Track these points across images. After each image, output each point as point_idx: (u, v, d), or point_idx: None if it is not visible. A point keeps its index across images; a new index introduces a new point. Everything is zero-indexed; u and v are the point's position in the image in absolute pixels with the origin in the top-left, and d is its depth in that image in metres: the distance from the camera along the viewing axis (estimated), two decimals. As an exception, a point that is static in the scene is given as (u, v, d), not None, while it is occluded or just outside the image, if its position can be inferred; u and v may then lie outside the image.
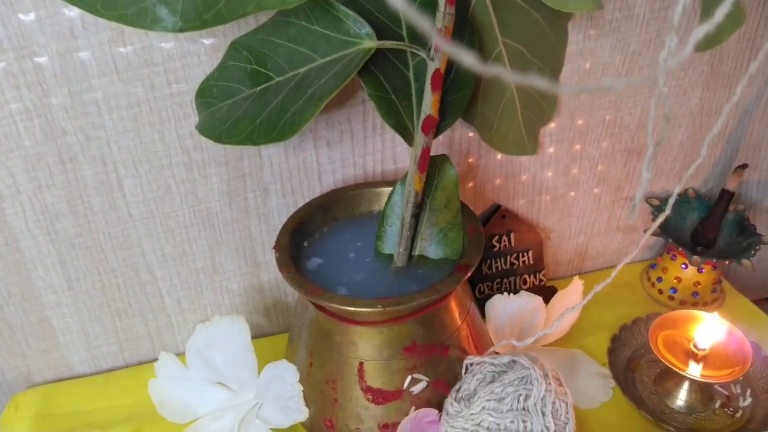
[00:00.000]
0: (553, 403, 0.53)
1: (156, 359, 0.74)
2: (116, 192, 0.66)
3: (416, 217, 0.57)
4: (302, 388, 0.60)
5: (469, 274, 0.55)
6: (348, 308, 0.52)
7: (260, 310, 0.79)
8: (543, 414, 0.52)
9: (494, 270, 0.78)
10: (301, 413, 0.61)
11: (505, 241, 0.77)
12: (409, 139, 0.56)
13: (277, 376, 0.63)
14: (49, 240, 0.67)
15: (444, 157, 0.59)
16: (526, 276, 0.79)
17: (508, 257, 0.78)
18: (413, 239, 0.58)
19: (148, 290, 0.74)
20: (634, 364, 0.73)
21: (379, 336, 0.55)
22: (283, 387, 0.62)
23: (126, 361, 0.78)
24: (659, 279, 0.82)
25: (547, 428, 0.52)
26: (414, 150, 0.55)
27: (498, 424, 0.52)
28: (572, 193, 0.81)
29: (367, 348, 0.56)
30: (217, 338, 0.67)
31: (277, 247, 0.59)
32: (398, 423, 0.56)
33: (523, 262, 0.79)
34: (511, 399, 0.52)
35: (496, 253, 0.77)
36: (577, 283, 0.71)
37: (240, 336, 0.66)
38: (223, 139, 0.56)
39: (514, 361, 0.55)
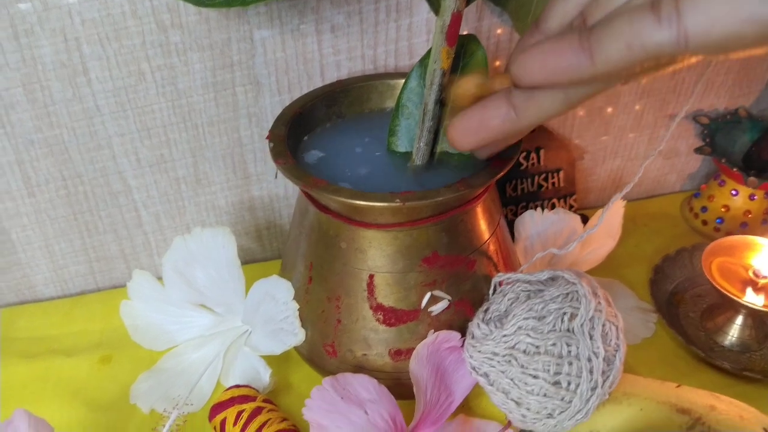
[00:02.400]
0: (603, 325, 0.43)
1: (132, 284, 0.64)
2: (80, 77, 0.55)
3: (441, 103, 0.47)
4: (298, 307, 0.51)
5: (506, 170, 0.45)
6: (358, 203, 0.42)
7: (250, 232, 0.70)
8: (591, 337, 0.43)
9: (519, 192, 0.68)
10: (296, 336, 0.51)
11: (533, 159, 0.67)
12: (434, 4, 0.45)
13: (268, 294, 0.54)
14: (4, 134, 0.57)
15: (471, 37, 0.49)
16: (555, 201, 0.70)
17: (536, 178, 0.68)
18: (436, 132, 0.48)
19: (121, 202, 0.64)
20: (678, 299, 0.64)
21: (393, 242, 0.45)
22: (275, 307, 0.53)
23: (97, 284, 0.69)
24: (704, 209, 0.73)
25: (595, 354, 0.42)
26: (441, 18, 0.45)
27: (537, 347, 0.42)
28: (610, 109, 0.71)
29: (379, 257, 0.46)
30: (199, 253, 0.57)
31: (272, 136, 0.49)
32: (413, 349, 0.47)
33: (553, 184, 0.69)
34: (553, 318, 0.43)
35: (523, 173, 0.68)
36: (618, 203, 0.61)
37: (225, 251, 0.56)
38: (205, 0, 0.46)
39: (553, 278, 0.46)
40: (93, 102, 0.57)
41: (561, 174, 0.69)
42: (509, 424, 0.49)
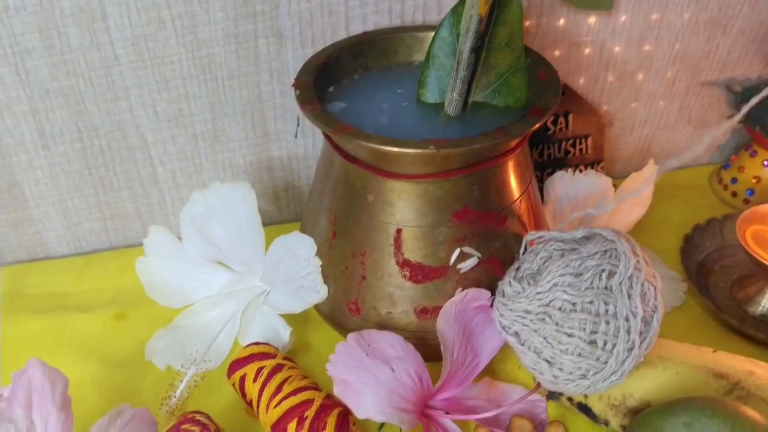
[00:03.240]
0: (642, 284, 0.42)
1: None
2: (99, 23, 0.53)
3: (477, 51, 0.45)
4: (320, 263, 0.50)
5: (543, 121, 0.43)
6: (389, 149, 0.40)
7: (268, 193, 0.68)
8: (629, 296, 0.41)
9: (546, 158, 0.66)
10: (318, 293, 0.50)
11: (561, 124, 0.65)
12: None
13: (289, 251, 0.52)
14: (19, 82, 0.55)
15: (508, -15, 0.47)
16: (582, 168, 0.68)
17: (563, 144, 0.66)
18: (471, 81, 0.46)
19: (137, 157, 0.62)
20: (708, 269, 0.62)
21: (423, 195, 0.44)
22: (297, 264, 0.51)
23: (111, 243, 0.67)
24: (733, 180, 0.70)
25: (633, 314, 0.41)
26: (479, -40, 0.43)
27: (573, 304, 0.41)
28: (641, 75, 0.69)
29: (408, 210, 0.44)
30: (218, 209, 0.55)
31: (298, 84, 0.47)
32: (439, 307, 0.45)
33: (580, 150, 0.67)
34: (591, 274, 0.41)
35: (550, 138, 0.65)
36: (650, 168, 0.59)
37: (245, 206, 0.55)
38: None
39: (588, 237, 0.44)
40: (111, 50, 0.55)
41: (589, 140, 0.67)
42: (538, 386, 0.47)
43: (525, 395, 0.48)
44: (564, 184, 0.56)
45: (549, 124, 0.65)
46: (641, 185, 0.58)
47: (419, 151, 0.39)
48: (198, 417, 0.44)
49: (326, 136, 0.47)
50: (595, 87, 0.68)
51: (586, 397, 0.46)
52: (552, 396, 0.48)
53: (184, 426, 0.43)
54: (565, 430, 0.47)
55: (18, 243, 0.65)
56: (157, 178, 0.64)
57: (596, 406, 0.46)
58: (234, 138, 0.63)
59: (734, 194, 0.70)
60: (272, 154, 0.65)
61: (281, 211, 0.69)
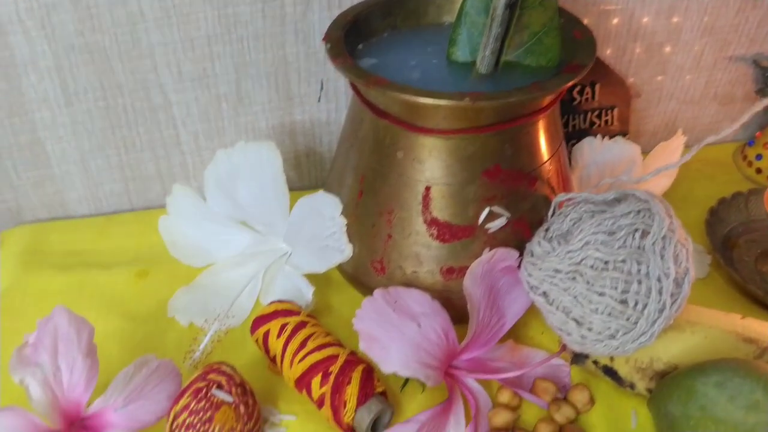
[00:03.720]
0: (675, 246, 0.41)
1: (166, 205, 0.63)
2: (126, -23, 0.53)
3: (512, 8, 0.44)
4: (346, 222, 0.49)
5: (578, 78, 0.42)
6: (424, 101, 0.39)
7: (290, 158, 0.68)
8: (662, 257, 0.40)
9: (571, 128, 0.65)
10: (343, 252, 0.49)
11: (587, 93, 0.65)
12: None
13: (314, 210, 0.52)
14: (44, 37, 0.55)
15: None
16: (607, 139, 0.67)
17: (589, 114, 0.65)
18: (504, 39, 0.46)
19: (160, 117, 0.62)
20: (732, 243, 0.61)
21: (455, 151, 0.43)
22: (321, 223, 0.51)
23: (132, 205, 0.67)
24: (758, 156, 0.70)
25: (665, 274, 0.40)
26: None
27: (605, 263, 0.40)
28: (669, 48, 0.68)
29: (438, 167, 0.44)
30: (243, 168, 0.55)
31: (328, 38, 0.46)
32: (465, 267, 0.45)
33: (606, 122, 0.66)
34: (625, 233, 0.40)
35: (576, 108, 0.65)
36: (678, 138, 0.59)
37: (270, 166, 0.54)
38: None
39: (619, 199, 0.43)
40: (137, 6, 0.55)
41: (615, 112, 0.66)
42: (563, 348, 0.47)
43: (550, 357, 0.48)
44: (592, 150, 0.55)
45: (575, 94, 0.64)
46: (673, 156, 0.57)
47: (454, 102, 0.39)
48: (224, 368, 0.44)
49: (356, 92, 0.46)
50: (623, 58, 0.67)
51: (612, 360, 0.46)
52: (576, 360, 0.48)
53: (210, 375, 0.43)
54: (590, 393, 0.47)
55: (39, 202, 0.65)
56: (180, 140, 0.64)
57: (622, 369, 0.45)
58: (257, 101, 0.62)
59: (759, 171, 0.69)
60: (295, 119, 0.65)
61: (302, 177, 0.69)
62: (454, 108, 0.40)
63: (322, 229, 0.51)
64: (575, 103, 0.65)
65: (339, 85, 0.63)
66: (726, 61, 0.70)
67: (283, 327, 0.48)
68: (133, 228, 0.64)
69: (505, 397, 0.47)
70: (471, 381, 0.47)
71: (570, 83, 0.41)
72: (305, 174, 0.69)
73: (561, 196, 0.45)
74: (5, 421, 0.39)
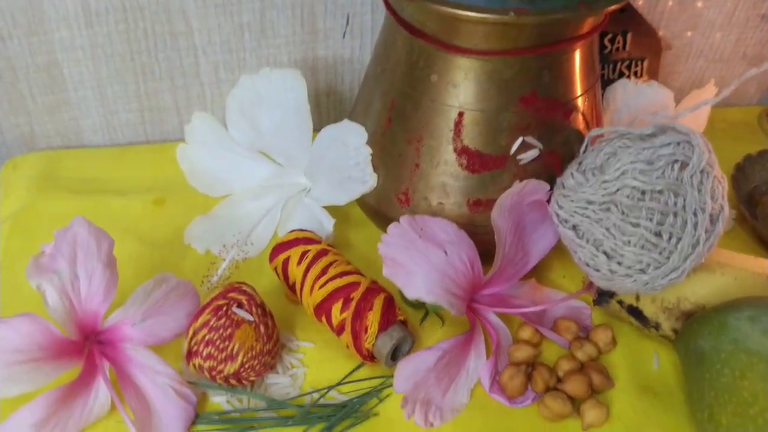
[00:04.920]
0: (712, 181, 0.40)
1: (181, 139, 0.61)
2: None
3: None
4: (371, 152, 0.48)
5: (622, 3, 0.41)
6: (466, 14, 0.38)
7: (310, 97, 0.65)
8: (699, 191, 0.39)
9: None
10: (367, 183, 0.48)
11: (618, 42, 0.63)
12: None
13: (338, 140, 0.50)
14: (65, -49, 0.53)
15: None
16: (641, 82, 0.65)
17: (618, 65, 0.64)
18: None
19: (180, 45, 0.60)
20: (756, 200, 0.60)
21: (492, 75, 0.42)
22: (345, 153, 0.50)
23: (147, 136, 0.66)
24: (786, 119, 0.69)
25: (702, 209, 0.39)
26: None
27: (643, 193, 0.39)
28: (701, 3, 0.66)
29: (473, 92, 0.42)
30: (266, 95, 0.54)
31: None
32: (493, 200, 0.44)
33: (635, 73, 0.65)
34: (664, 163, 0.39)
35: (606, 57, 0.63)
36: (711, 87, 0.57)
37: (294, 94, 0.53)
38: None
39: (655, 134, 0.42)
40: None
41: (645, 63, 0.65)
42: (590, 285, 0.46)
43: (572, 294, 0.47)
44: (626, 93, 0.54)
45: (606, 42, 0.62)
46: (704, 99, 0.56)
47: (497, 17, 0.37)
48: (244, 287, 0.43)
49: (391, 11, 0.45)
50: (656, 8, 0.65)
51: (637, 299, 0.45)
52: (599, 300, 0.47)
53: (230, 294, 0.42)
54: (612, 333, 0.46)
55: (53, 129, 0.64)
56: (199, 70, 0.62)
57: (648, 309, 0.45)
58: (281, 33, 0.61)
59: (786, 133, 0.68)
60: (318, 54, 0.63)
61: (321, 117, 0.68)
62: (497, 24, 0.39)
63: (346, 160, 0.50)
64: (606, 51, 0.63)
65: (365, 20, 0.61)
66: (758, 20, 0.68)
67: (303, 254, 0.47)
68: (148, 159, 0.62)
69: (526, 333, 0.46)
70: (492, 316, 0.46)
71: (618, 5, 0.40)
72: (324, 114, 0.67)
73: (596, 131, 0.44)
74: (22, 327, 0.38)
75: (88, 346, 0.41)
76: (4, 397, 0.37)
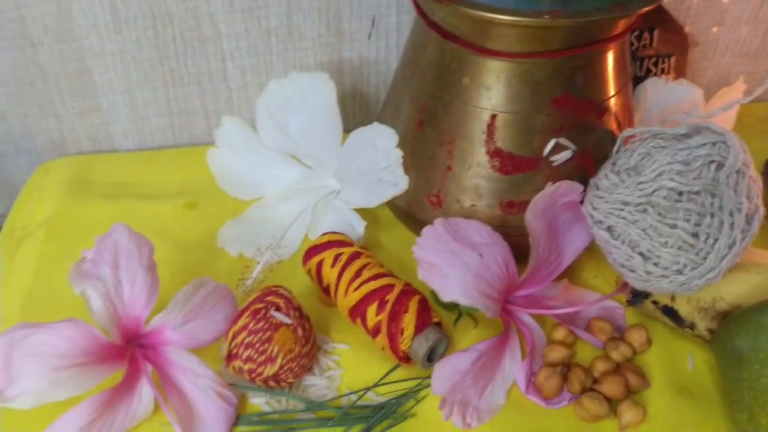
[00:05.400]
0: (748, 181, 0.40)
1: (211, 143, 0.62)
2: None
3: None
4: (402, 154, 0.48)
5: (656, 4, 0.41)
6: (500, 17, 0.38)
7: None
8: (736, 191, 0.39)
9: (624, 76, 0.64)
10: (398, 186, 0.49)
11: (645, 39, 0.63)
12: None
13: (368, 143, 0.51)
14: (96, -42, 0.54)
15: None
16: (671, 80, 0.65)
17: (645, 62, 0.64)
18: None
19: (209, 50, 0.61)
20: (787, 197, 0.60)
21: (524, 77, 0.42)
22: (375, 156, 0.50)
23: (176, 140, 0.67)
24: (815, 114, 0.68)
25: (738, 209, 0.39)
26: None
27: (680, 194, 0.39)
28: (727, -2, 0.66)
29: (505, 94, 0.43)
30: (295, 99, 0.54)
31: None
32: (526, 202, 0.44)
33: (662, 70, 0.64)
34: (701, 164, 0.39)
35: (633, 54, 0.63)
36: (740, 84, 0.57)
37: (323, 97, 0.53)
38: None
39: (689, 134, 0.42)
40: (192, -71, 0.53)
41: (672, 60, 0.64)
42: (622, 287, 0.46)
43: (606, 295, 0.47)
44: (656, 92, 0.54)
45: (633, 39, 0.62)
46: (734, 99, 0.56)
47: (532, 20, 0.38)
48: (281, 291, 0.44)
49: (421, 14, 0.45)
50: (681, 6, 0.65)
51: (673, 299, 0.45)
52: (633, 301, 0.47)
53: (268, 297, 0.43)
54: (647, 333, 0.46)
55: (84, 134, 0.65)
56: (227, 75, 0.63)
57: (683, 309, 0.45)
58: (307, 36, 0.61)
59: (815, 128, 0.68)
60: (343, 56, 0.63)
61: (347, 119, 0.67)
62: (530, 26, 0.39)
63: (376, 163, 0.50)
64: (633, 48, 0.63)
65: (390, 22, 0.62)
66: (787, 14, 0.68)
67: (337, 257, 0.48)
68: (178, 162, 0.63)
69: (560, 334, 0.46)
70: (526, 317, 0.47)
71: (650, 7, 0.40)
72: (350, 116, 0.68)
73: (629, 131, 0.44)
74: (67, 332, 0.38)
75: (130, 350, 0.42)
76: (50, 402, 0.38)
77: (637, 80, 0.64)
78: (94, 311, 0.39)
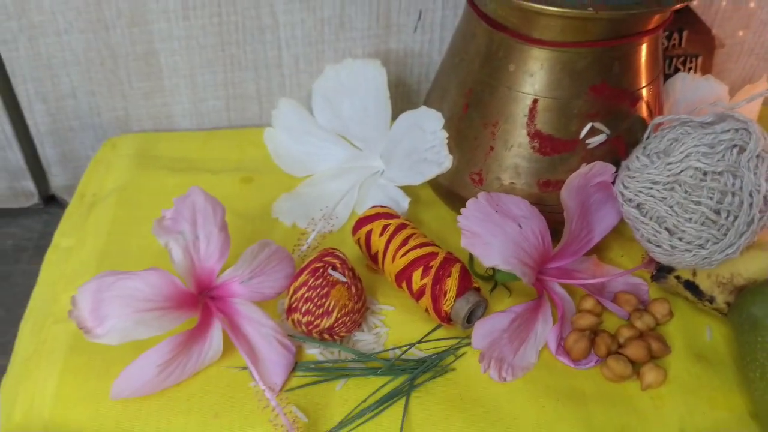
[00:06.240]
0: (767, 165, 0.44)
1: (261, 125, 0.67)
2: None
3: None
4: (447, 135, 0.53)
5: (688, 2, 0.45)
6: (549, 9, 0.42)
7: (380, 88, 0.71)
8: (755, 174, 0.43)
9: (653, 73, 0.68)
10: (442, 165, 0.53)
11: (675, 39, 0.67)
12: None
13: (416, 125, 0.55)
14: (171, -50, 0.59)
15: None
16: (699, 76, 0.69)
17: (674, 61, 0.68)
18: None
19: (266, 38, 0.66)
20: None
21: (566, 65, 0.46)
22: (422, 137, 0.55)
23: (230, 122, 0.72)
24: (835, 116, 0.71)
25: (757, 190, 0.43)
26: None
27: (705, 174, 0.43)
28: (753, 3, 0.69)
29: (548, 81, 0.47)
30: (349, 83, 0.59)
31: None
32: (561, 181, 0.48)
33: (689, 69, 0.68)
34: (724, 148, 0.43)
35: (663, 53, 0.67)
36: (763, 82, 0.61)
37: (375, 82, 0.58)
38: None
39: (714, 122, 0.46)
40: (260, -74, 0.58)
41: (699, 60, 0.68)
42: (649, 261, 0.50)
43: (634, 268, 0.51)
44: (684, 86, 0.58)
45: (663, 40, 0.66)
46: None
47: (578, 11, 0.42)
48: (338, 253, 0.48)
49: (472, 6, 0.49)
50: (710, 9, 0.69)
51: (694, 274, 0.49)
52: (657, 277, 0.51)
53: (326, 258, 0.47)
54: (669, 306, 0.50)
55: (147, 113, 0.70)
56: (281, 62, 0.68)
57: (704, 283, 0.49)
58: (357, 27, 0.66)
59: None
60: (390, 47, 0.68)
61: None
62: (575, 18, 0.43)
63: (422, 143, 0.55)
64: (663, 48, 0.67)
65: (436, 16, 0.66)
66: (811, 20, 0.71)
67: (385, 227, 0.52)
68: (233, 142, 0.68)
69: (588, 303, 0.50)
70: (558, 287, 0.51)
71: (681, 5, 0.44)
72: (393, 103, 0.72)
73: (659, 119, 0.48)
74: (150, 278, 0.43)
75: (203, 300, 0.46)
76: (136, 339, 0.43)
77: (666, 77, 0.68)
78: (175, 261, 0.44)
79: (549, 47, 0.46)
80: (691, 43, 0.67)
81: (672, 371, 0.47)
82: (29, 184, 0.72)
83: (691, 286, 0.49)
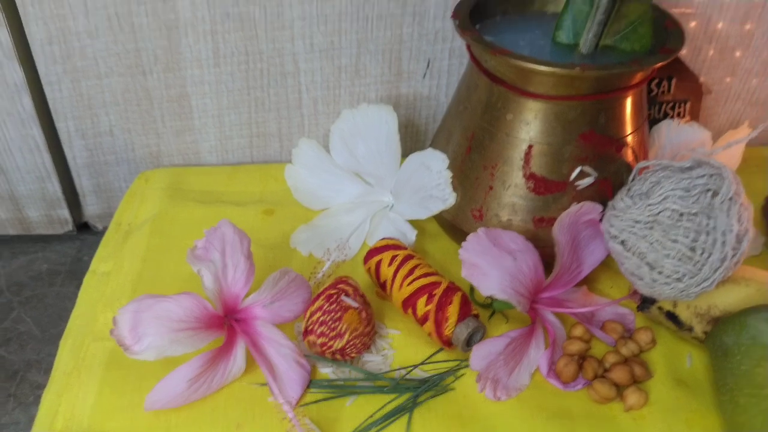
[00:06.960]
0: (738, 207, 0.49)
1: (281, 161, 0.73)
2: (280, -41, 0.63)
3: None
4: (451, 175, 0.58)
5: (670, 59, 0.50)
6: (542, 68, 0.48)
7: (391, 128, 0.77)
8: (728, 215, 0.48)
9: (648, 117, 0.73)
10: (446, 201, 0.59)
11: (664, 86, 0.72)
12: None
13: (423, 164, 0.61)
14: (205, 3, 0.66)
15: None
16: (683, 122, 0.74)
17: (664, 106, 0.73)
18: (605, 25, 0.54)
19: (288, 83, 0.72)
20: (786, 229, 0.68)
21: (558, 116, 0.52)
22: (429, 176, 0.60)
23: (253, 158, 0.78)
24: (818, 158, 0.76)
25: (729, 230, 0.48)
26: None
27: (681, 214, 0.48)
28: (739, 52, 0.75)
29: (541, 129, 0.53)
30: (363, 126, 0.65)
31: (456, 15, 0.55)
32: (554, 218, 0.54)
33: (678, 114, 0.73)
34: (699, 192, 0.48)
35: (653, 99, 0.72)
36: (745, 129, 0.66)
37: (387, 126, 0.64)
38: None
39: (691, 167, 0.51)
40: (285, -16, 0.65)
41: (687, 105, 0.73)
42: (634, 293, 0.55)
43: (619, 299, 0.56)
44: (669, 131, 0.63)
45: (653, 86, 0.71)
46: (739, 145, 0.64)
47: (566, 71, 0.47)
48: (350, 281, 0.53)
49: (475, 62, 0.55)
50: (698, 58, 0.74)
51: (675, 305, 0.53)
52: (642, 307, 0.56)
53: (340, 285, 0.53)
54: (653, 334, 0.54)
55: (177, 149, 0.76)
56: (301, 104, 0.74)
57: (683, 314, 0.53)
58: (371, 73, 0.72)
59: (817, 170, 0.76)
60: (401, 92, 0.74)
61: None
62: (565, 76, 0.49)
63: (429, 181, 0.60)
64: (653, 94, 0.72)
65: (443, 64, 0.72)
66: (793, 69, 0.76)
67: (393, 257, 0.57)
68: (256, 176, 0.74)
69: (578, 331, 0.55)
70: (550, 315, 0.55)
71: (662, 63, 0.50)
72: (402, 143, 0.78)
73: (643, 163, 0.54)
74: (185, 301, 0.49)
75: (229, 321, 0.52)
76: (170, 356, 0.48)
77: (655, 122, 0.73)
78: (206, 286, 0.50)
79: (542, 100, 0.51)
80: (680, 90, 0.73)
81: (653, 394, 0.51)
82: (65, 212, 0.78)
83: (672, 317, 0.54)
